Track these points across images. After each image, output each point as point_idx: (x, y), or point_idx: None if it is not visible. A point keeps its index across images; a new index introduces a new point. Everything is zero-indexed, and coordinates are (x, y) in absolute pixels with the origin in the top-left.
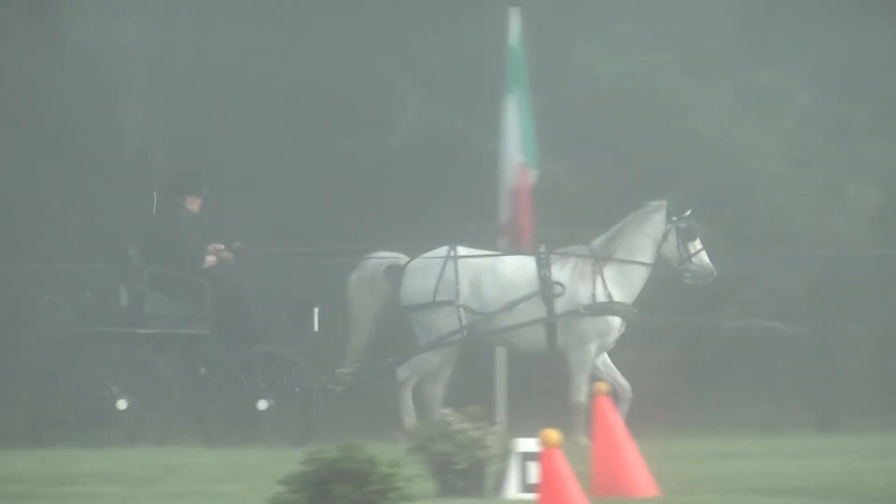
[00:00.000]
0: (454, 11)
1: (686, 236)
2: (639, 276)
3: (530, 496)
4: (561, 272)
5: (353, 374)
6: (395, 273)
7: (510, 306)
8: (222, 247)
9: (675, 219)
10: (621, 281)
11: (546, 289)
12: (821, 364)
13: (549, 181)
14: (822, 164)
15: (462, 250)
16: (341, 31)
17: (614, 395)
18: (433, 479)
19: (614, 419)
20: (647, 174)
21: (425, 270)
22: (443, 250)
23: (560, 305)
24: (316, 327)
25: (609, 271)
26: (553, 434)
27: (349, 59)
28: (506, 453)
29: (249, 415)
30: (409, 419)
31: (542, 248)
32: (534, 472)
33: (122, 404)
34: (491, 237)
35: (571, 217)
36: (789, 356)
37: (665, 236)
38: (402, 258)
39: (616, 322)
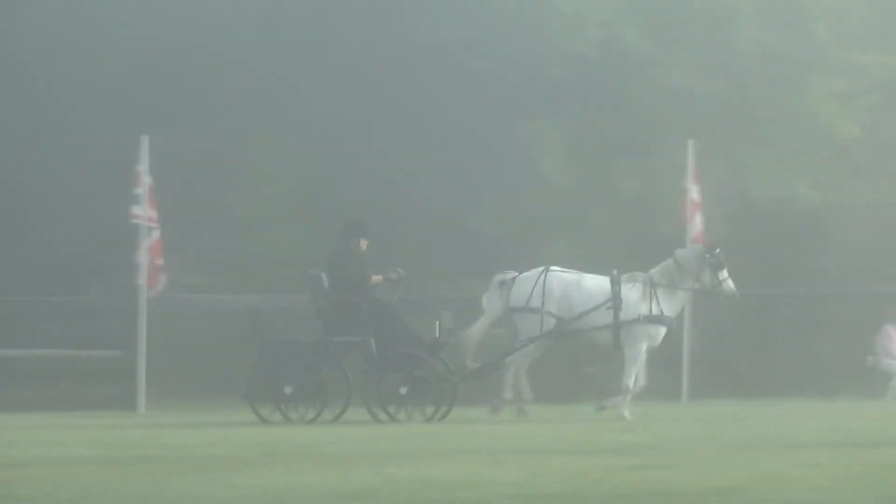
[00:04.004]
0: None
1: (716, 268)
2: (683, 299)
3: None
4: (629, 291)
5: (477, 368)
6: (507, 285)
7: (585, 314)
8: (380, 277)
9: (708, 255)
10: (672, 302)
11: (615, 302)
12: None
13: None
14: None
15: (554, 270)
16: None
17: None
18: None
19: None
20: None
21: (524, 283)
22: (539, 269)
23: (623, 315)
24: (437, 334)
25: (661, 293)
26: None
27: None
28: None
29: (394, 398)
30: (509, 394)
31: (615, 272)
32: None
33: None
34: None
35: None
36: None
37: (702, 269)
38: (512, 273)
39: (663, 330)
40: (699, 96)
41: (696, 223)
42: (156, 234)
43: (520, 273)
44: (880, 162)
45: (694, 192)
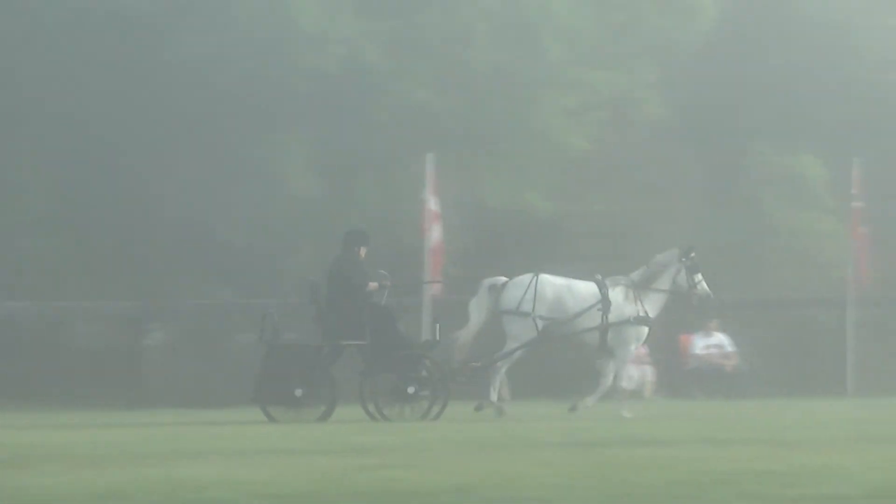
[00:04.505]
0: None
1: (692, 271)
2: (662, 300)
3: None
4: (615, 294)
5: (475, 368)
6: (497, 289)
7: (576, 316)
8: (376, 284)
9: (684, 259)
10: (652, 303)
11: (605, 305)
12: None
13: None
14: None
15: (544, 276)
16: None
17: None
18: None
19: None
20: None
21: (515, 287)
22: (529, 275)
23: (612, 317)
24: (437, 337)
25: (642, 295)
26: None
27: None
28: None
29: (403, 397)
30: (495, 395)
31: (599, 277)
32: None
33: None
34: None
35: None
36: None
37: (678, 272)
38: (502, 279)
39: (646, 330)
40: (437, 111)
41: (435, 233)
42: None
43: (510, 279)
44: (609, 173)
45: (433, 204)
